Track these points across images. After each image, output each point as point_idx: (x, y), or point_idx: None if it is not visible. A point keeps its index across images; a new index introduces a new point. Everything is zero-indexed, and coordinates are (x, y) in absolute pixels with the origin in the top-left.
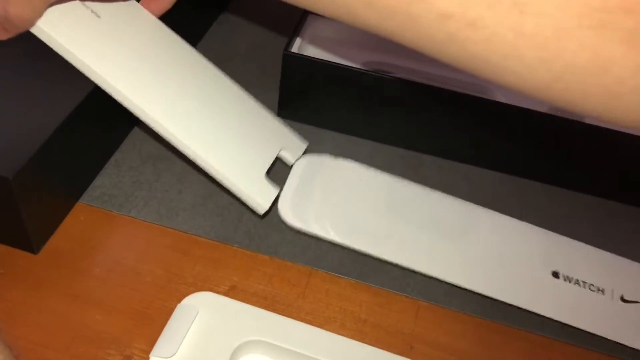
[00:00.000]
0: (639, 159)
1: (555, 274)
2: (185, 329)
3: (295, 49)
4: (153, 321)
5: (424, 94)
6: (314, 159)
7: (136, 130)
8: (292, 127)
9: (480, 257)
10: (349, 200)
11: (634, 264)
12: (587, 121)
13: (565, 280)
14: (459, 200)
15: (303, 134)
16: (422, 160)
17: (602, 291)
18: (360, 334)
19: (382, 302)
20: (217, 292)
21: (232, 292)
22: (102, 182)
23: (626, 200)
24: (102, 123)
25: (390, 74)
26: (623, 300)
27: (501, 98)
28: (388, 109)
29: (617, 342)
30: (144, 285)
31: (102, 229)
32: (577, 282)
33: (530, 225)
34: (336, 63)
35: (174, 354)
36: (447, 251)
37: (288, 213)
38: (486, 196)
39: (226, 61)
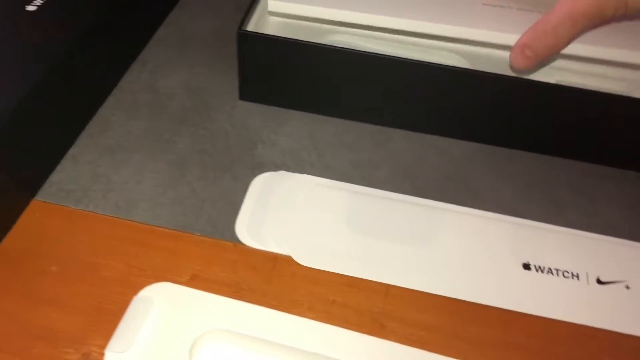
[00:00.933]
0: (614, 119)
1: (527, 266)
2: (140, 322)
3: (251, 27)
4: (112, 316)
5: (389, 67)
6: (270, 177)
7: (94, 122)
8: (256, 109)
9: (449, 261)
10: (309, 218)
11: (608, 240)
12: (557, 82)
13: (537, 271)
14: (423, 200)
15: (267, 116)
16: (391, 135)
17: (577, 276)
18: (328, 315)
19: (350, 282)
20: (179, 283)
21: (193, 281)
22: (59, 177)
23: (605, 162)
24: (54, 115)
25: (354, 48)
26: (599, 282)
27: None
28: (354, 85)
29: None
30: (102, 280)
31: (58, 226)
32: (549, 271)
33: (495, 216)
34: (295, 39)
35: (129, 348)
36: (414, 260)
37: (245, 235)
38: (457, 166)
39: (186, 46)
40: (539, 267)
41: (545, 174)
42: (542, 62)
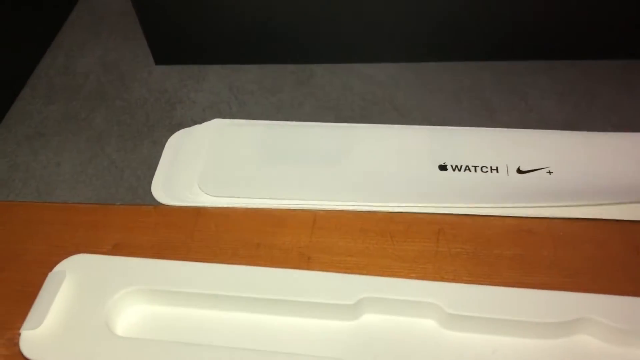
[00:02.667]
0: (534, 9)
1: (443, 167)
2: (51, 296)
3: None
4: (34, 298)
5: None
6: (185, 133)
7: (10, 113)
8: (173, 71)
9: (367, 173)
10: (226, 161)
11: (527, 132)
12: None
13: (454, 170)
14: (338, 125)
15: (185, 76)
16: (314, 71)
17: (497, 169)
18: (254, 258)
19: (276, 222)
20: (101, 254)
21: (115, 250)
22: None
23: (532, 57)
24: None
25: None
26: (520, 172)
27: None
28: (268, 25)
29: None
30: (24, 264)
31: None
32: (467, 168)
33: (409, 127)
34: None
35: (42, 323)
36: (335, 177)
37: (162, 195)
38: (383, 90)
39: (100, 24)
40: (456, 166)
41: (473, 80)
42: None
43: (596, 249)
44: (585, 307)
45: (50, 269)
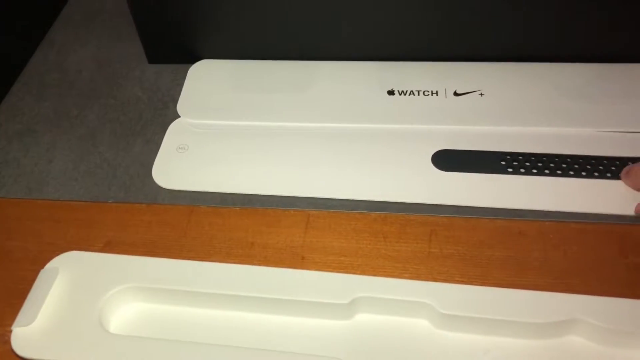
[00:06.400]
0: None
1: (391, 92)
2: (44, 293)
3: None
4: (25, 295)
5: None
6: (183, 122)
7: (1, 109)
8: (166, 70)
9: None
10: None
11: (463, 64)
12: None
13: (400, 94)
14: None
15: (178, 74)
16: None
17: (436, 93)
18: (247, 257)
19: (270, 222)
20: (92, 251)
21: (107, 247)
22: None
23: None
24: None
25: None
26: (456, 94)
27: None
28: (263, 26)
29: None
30: (14, 262)
31: None
32: (411, 92)
33: (361, 63)
34: None
35: (34, 320)
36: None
37: (162, 178)
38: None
39: (92, 21)
40: (402, 91)
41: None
42: None
43: (585, 251)
44: (576, 308)
45: (42, 266)
